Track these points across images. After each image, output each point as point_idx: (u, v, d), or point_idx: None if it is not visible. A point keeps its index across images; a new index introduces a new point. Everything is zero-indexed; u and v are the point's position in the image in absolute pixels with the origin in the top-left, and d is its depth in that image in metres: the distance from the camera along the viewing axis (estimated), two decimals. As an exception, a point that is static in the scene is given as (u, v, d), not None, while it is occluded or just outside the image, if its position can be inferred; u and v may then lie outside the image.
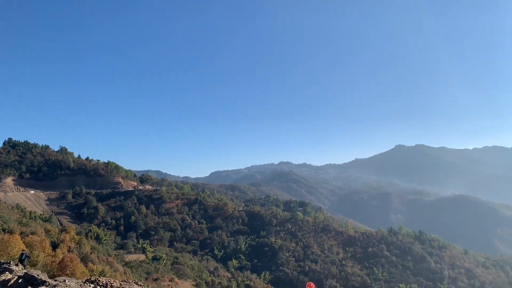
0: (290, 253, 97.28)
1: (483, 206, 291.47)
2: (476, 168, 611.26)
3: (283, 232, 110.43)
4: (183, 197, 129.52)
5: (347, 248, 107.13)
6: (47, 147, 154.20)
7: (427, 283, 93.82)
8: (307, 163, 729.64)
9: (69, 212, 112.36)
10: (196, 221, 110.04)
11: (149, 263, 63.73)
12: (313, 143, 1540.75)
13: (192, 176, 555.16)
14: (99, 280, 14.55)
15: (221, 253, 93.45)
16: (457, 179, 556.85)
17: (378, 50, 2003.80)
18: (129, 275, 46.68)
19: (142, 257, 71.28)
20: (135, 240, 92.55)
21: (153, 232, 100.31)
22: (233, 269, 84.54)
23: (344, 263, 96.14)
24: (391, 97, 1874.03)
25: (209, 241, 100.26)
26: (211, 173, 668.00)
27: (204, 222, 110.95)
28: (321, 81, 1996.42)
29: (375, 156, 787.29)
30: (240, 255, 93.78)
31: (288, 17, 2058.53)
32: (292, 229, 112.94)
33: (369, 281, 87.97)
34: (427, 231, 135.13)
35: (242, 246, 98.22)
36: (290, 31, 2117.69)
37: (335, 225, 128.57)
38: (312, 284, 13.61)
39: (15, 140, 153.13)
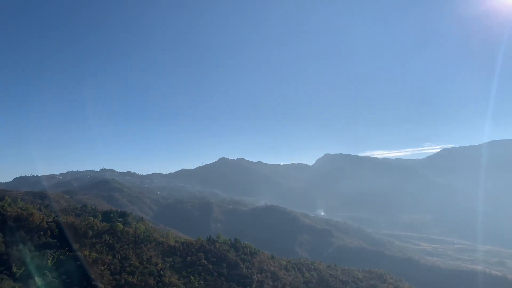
0: (105, 267, 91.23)
1: (288, 215, 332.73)
2: (285, 182, 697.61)
3: (99, 245, 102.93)
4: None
5: (167, 258, 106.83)
6: None
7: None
8: (132, 172, 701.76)
9: None
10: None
11: None
12: (139, 151, 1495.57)
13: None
14: None
15: (21, 271, 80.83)
16: (270, 191, 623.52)
17: (205, 66, 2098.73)
18: None
19: None
20: None
21: None
22: (35, 288, 74.33)
23: (162, 273, 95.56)
24: (217, 111, 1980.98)
25: (6, 257, 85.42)
26: (15, 178, 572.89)
27: (2, 235, 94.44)
28: (147, 87, 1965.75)
29: (201, 167, 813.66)
30: (45, 271, 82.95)
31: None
32: (110, 241, 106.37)
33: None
34: (242, 238, 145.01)
35: (49, 261, 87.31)
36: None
37: (157, 235, 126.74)
38: None
39: None
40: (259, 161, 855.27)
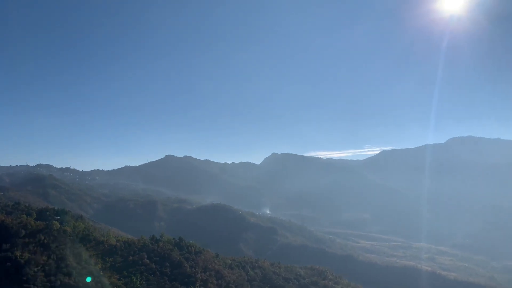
0: (39, 268, 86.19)
1: (234, 213, 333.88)
2: (232, 180, 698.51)
3: (33, 244, 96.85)
4: None
5: (107, 258, 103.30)
6: None
7: (182, 287, 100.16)
8: (72, 168, 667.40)
9: None
10: None
11: None
12: (80, 146, 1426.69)
13: None
14: None
15: None
16: (217, 189, 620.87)
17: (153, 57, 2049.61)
18: None
19: None
20: None
21: None
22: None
23: (101, 273, 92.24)
24: (163, 107, 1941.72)
25: None
26: None
27: None
28: (90, 80, 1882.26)
29: (146, 164, 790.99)
30: (-30, 274, 76.97)
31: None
32: (45, 241, 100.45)
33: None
34: (187, 237, 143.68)
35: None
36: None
37: (97, 234, 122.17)
38: None
39: None
40: (206, 159, 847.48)
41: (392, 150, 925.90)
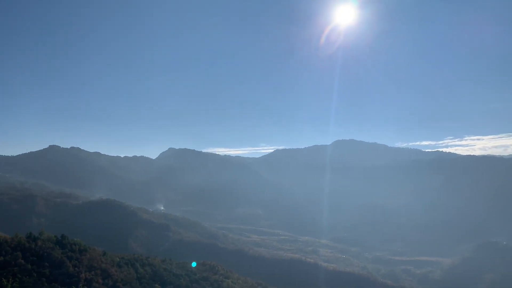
0: None
1: (125, 209, 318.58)
2: (124, 175, 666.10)
3: None
4: None
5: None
6: None
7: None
8: None
9: None
10: None
11: None
12: None
13: None
14: None
15: None
16: (107, 184, 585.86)
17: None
18: None
19: None
20: None
21: None
22: None
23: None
24: (45, 93, 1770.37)
25: None
26: None
27: None
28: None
29: (25, 154, 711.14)
30: None
31: None
32: None
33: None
34: (72, 235, 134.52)
35: None
36: None
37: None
38: None
39: None
40: (96, 152, 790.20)
41: (284, 149, 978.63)
